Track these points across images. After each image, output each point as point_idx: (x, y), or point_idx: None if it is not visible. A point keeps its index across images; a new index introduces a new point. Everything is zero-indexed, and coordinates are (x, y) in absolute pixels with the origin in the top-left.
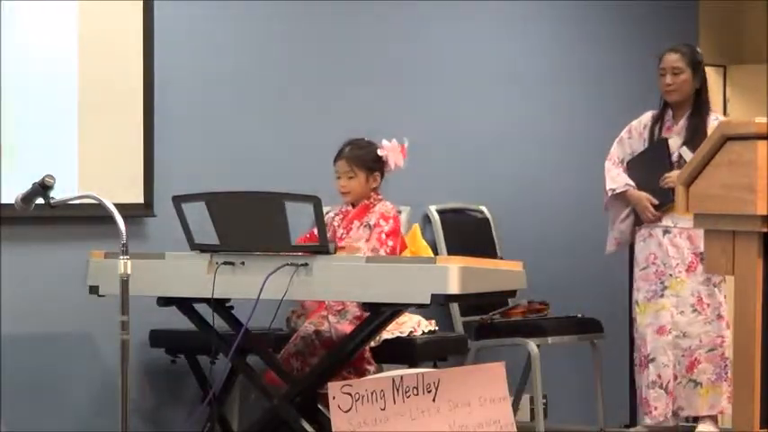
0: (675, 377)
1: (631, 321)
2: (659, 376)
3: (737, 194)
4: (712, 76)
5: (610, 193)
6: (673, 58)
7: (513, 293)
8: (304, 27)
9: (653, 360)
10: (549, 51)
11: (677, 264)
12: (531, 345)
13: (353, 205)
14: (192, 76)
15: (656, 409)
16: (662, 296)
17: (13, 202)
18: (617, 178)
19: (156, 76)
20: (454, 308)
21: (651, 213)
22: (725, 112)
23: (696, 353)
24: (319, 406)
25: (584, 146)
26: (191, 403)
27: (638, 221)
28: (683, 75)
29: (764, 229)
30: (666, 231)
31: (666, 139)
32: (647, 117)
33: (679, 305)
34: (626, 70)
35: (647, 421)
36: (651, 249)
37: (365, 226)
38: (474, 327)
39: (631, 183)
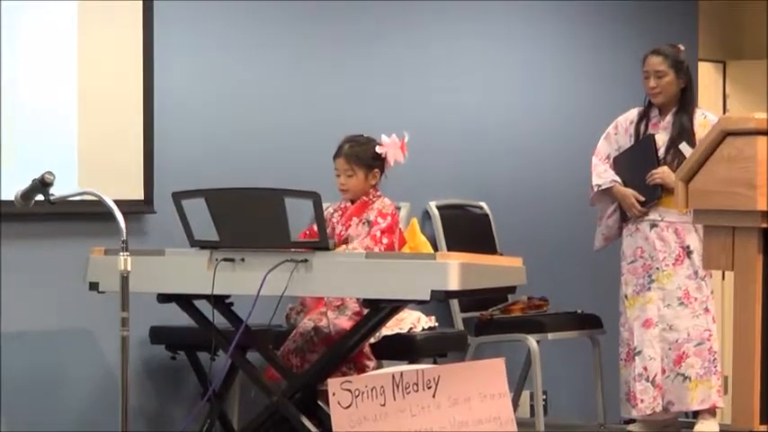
0: (664, 371)
1: None
2: (645, 369)
3: (737, 190)
4: (712, 71)
5: (596, 189)
6: (655, 62)
7: (512, 289)
8: (304, 22)
9: (639, 353)
10: (548, 48)
11: (664, 257)
12: (531, 341)
13: (353, 201)
14: (192, 73)
15: (642, 401)
16: (649, 289)
17: (12, 198)
18: (603, 174)
19: (155, 72)
20: (454, 304)
21: (637, 210)
22: (724, 108)
23: (684, 346)
24: (319, 402)
25: (583, 142)
26: (191, 400)
27: (625, 217)
28: (666, 77)
29: (764, 225)
30: (653, 225)
31: (653, 136)
32: (633, 113)
33: (666, 298)
34: (626, 66)
35: (634, 414)
36: (638, 243)
37: (364, 222)
38: (474, 323)
39: (617, 179)
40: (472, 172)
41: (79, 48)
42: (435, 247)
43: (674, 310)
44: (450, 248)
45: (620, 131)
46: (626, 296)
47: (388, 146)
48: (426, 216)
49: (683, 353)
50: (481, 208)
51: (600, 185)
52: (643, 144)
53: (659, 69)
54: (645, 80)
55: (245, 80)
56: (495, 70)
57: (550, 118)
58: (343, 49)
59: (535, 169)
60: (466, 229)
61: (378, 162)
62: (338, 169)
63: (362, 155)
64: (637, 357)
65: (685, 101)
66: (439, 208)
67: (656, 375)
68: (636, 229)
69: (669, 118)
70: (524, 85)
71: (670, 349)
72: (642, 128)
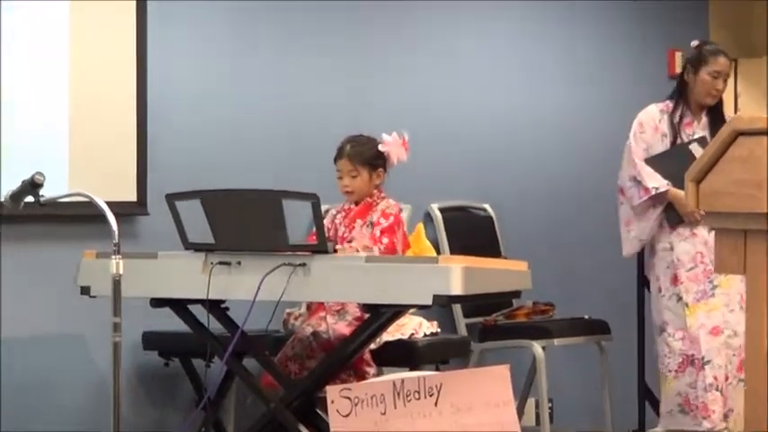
0: (726, 378)
1: (641, 322)
2: (716, 378)
3: (749, 192)
4: None
5: (653, 192)
6: (728, 65)
7: (517, 294)
8: (302, 20)
9: (708, 362)
10: (557, 47)
11: None
12: (537, 347)
13: (356, 203)
14: (187, 71)
15: (714, 412)
16: (713, 296)
17: (1, 200)
18: (654, 176)
19: (149, 70)
20: (457, 309)
21: (700, 215)
22: (736, 106)
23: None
24: (318, 410)
25: (591, 143)
26: (185, 408)
27: (674, 220)
28: (727, 81)
29: None
30: (714, 229)
31: (705, 137)
32: (654, 111)
33: (729, 303)
34: (636, 65)
35: (707, 425)
36: (697, 249)
37: (368, 225)
38: (477, 328)
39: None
40: (475, 173)
41: (71, 45)
42: (438, 251)
43: (736, 316)
44: (452, 252)
45: (646, 130)
46: (687, 304)
47: (390, 144)
48: (428, 218)
49: None
50: (485, 210)
51: (657, 188)
52: (690, 147)
53: (728, 73)
54: (713, 80)
55: (241, 80)
56: (499, 68)
57: (556, 117)
58: (343, 47)
59: (540, 170)
60: (469, 232)
61: (380, 161)
62: (341, 171)
63: (365, 154)
64: (706, 367)
65: (720, 99)
66: (441, 210)
67: (722, 384)
68: (691, 233)
69: (704, 118)
70: (529, 84)
71: (734, 355)
72: (678, 127)
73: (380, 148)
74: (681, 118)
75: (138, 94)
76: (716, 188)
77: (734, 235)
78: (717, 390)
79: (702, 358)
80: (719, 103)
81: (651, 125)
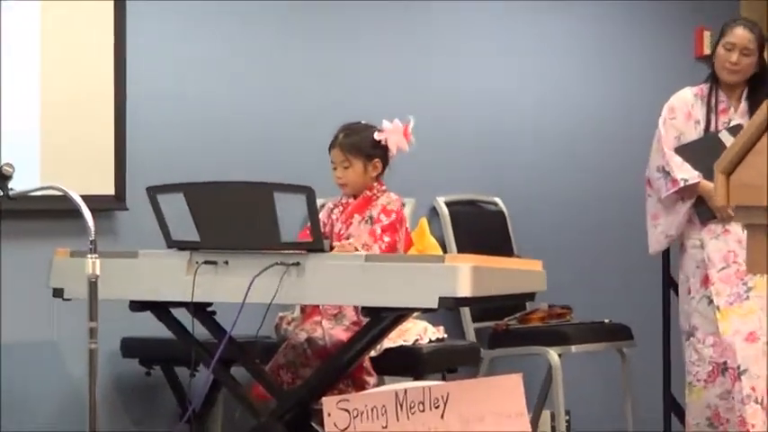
0: None
1: (667, 326)
2: (753, 389)
3: None
4: None
5: (682, 184)
6: (747, 38)
7: (531, 296)
8: (297, 15)
9: (745, 371)
10: (573, 31)
11: None
12: (552, 354)
13: (355, 197)
14: (168, 56)
15: (753, 426)
16: (747, 299)
17: None
18: (683, 167)
19: (127, 55)
20: (465, 313)
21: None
22: None
23: None
24: (313, 423)
25: (610, 133)
26: (168, 420)
27: (704, 216)
28: (751, 57)
29: None
30: (745, 225)
31: (740, 125)
32: (688, 94)
33: (765, 307)
34: (661, 51)
35: None
36: (730, 247)
37: (366, 220)
38: (487, 334)
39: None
40: (485, 163)
41: (42, 32)
42: (444, 249)
43: None
44: (460, 250)
45: (678, 116)
46: (718, 308)
47: (389, 132)
48: (434, 213)
49: None
50: (496, 204)
51: (686, 180)
52: (726, 137)
53: (748, 47)
54: (725, 51)
55: (227, 63)
56: (510, 50)
57: (574, 103)
58: (339, 29)
59: (556, 161)
60: (478, 228)
61: (378, 151)
62: (334, 161)
63: (359, 143)
64: (743, 377)
65: (760, 83)
66: (448, 204)
67: (763, 397)
68: (724, 230)
69: (743, 104)
70: (545, 67)
71: None
72: (713, 115)
73: (376, 136)
74: (716, 103)
75: (115, 80)
76: (746, 181)
77: (766, 232)
78: (756, 402)
79: (738, 367)
80: (761, 86)
81: (684, 111)
